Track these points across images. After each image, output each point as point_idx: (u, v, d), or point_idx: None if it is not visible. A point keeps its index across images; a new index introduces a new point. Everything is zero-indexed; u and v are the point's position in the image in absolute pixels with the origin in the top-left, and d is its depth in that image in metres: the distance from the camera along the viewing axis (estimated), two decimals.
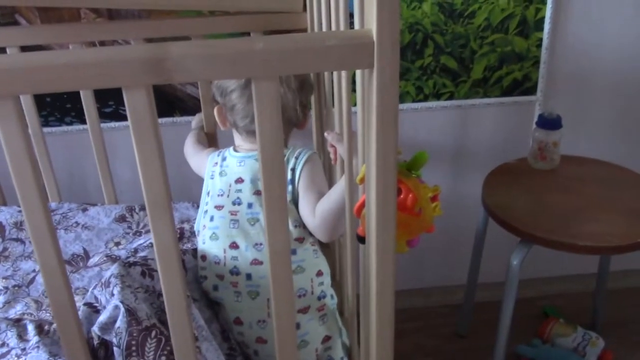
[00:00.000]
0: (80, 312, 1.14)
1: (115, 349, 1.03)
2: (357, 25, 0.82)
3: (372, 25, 0.65)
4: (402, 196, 0.83)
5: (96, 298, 1.15)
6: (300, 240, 1.25)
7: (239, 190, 1.27)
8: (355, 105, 1.15)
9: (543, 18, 1.73)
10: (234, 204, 1.27)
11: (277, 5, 1.50)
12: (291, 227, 1.24)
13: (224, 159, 1.33)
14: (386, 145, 0.71)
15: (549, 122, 1.67)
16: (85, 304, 1.15)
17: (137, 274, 1.16)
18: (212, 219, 1.29)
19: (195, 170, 1.50)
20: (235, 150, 1.33)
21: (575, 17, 1.75)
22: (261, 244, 1.24)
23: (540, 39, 1.75)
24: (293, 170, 1.25)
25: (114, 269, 1.14)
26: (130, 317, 1.04)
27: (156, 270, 1.19)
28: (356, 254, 1.09)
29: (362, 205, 0.86)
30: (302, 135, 1.41)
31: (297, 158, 1.26)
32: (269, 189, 0.75)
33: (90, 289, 1.17)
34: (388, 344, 0.86)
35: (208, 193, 1.32)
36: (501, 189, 1.64)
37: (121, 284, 1.10)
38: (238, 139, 1.36)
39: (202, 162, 1.43)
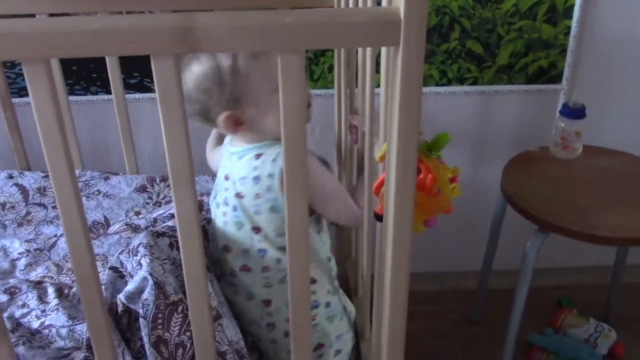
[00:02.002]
0: (105, 276, 1.16)
1: (141, 319, 1.05)
2: (384, 3, 0.82)
3: (400, 3, 0.65)
4: (421, 176, 0.83)
5: (122, 263, 1.17)
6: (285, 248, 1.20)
7: (226, 189, 1.20)
8: (378, 86, 1.15)
9: (572, 6, 1.71)
10: (225, 204, 1.21)
11: None
12: (274, 236, 1.17)
13: (225, 144, 1.28)
14: (408, 124, 0.71)
15: (573, 112, 1.66)
16: (110, 268, 1.17)
17: (165, 245, 1.18)
18: (214, 215, 1.26)
19: (214, 169, 1.40)
20: (230, 142, 1.24)
21: (606, 5, 1.72)
22: (248, 250, 1.20)
23: (569, 27, 1.74)
24: (271, 176, 1.13)
25: (142, 237, 1.16)
26: (158, 291, 1.05)
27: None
28: (372, 232, 1.10)
29: (382, 183, 0.86)
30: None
31: (274, 161, 1.13)
32: (290, 169, 0.75)
33: (116, 254, 1.19)
34: (400, 322, 0.87)
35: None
36: (521, 177, 1.64)
37: (150, 255, 1.11)
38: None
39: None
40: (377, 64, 1.08)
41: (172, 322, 1.04)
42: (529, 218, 1.49)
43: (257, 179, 1.14)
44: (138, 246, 1.14)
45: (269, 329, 1.24)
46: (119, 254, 1.17)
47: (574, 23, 1.72)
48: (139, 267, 1.09)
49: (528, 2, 1.70)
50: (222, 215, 1.22)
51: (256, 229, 1.17)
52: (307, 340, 0.89)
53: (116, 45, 0.66)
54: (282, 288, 1.20)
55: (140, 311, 1.05)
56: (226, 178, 1.21)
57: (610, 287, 1.99)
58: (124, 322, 1.10)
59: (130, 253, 1.14)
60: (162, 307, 1.04)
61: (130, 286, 1.07)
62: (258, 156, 1.15)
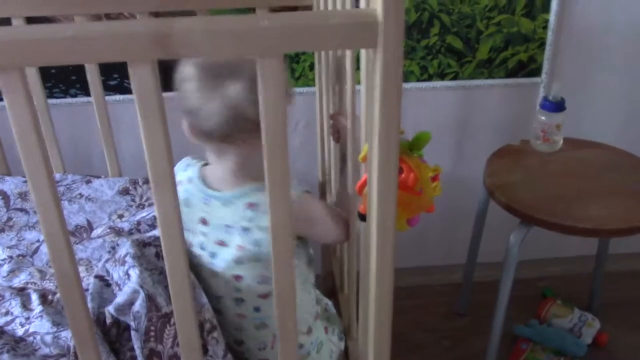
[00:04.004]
0: (91, 285, 1.15)
1: (133, 332, 1.04)
2: (362, 1, 0.82)
3: (377, 4, 0.66)
4: (403, 175, 0.84)
5: (107, 272, 1.16)
6: (265, 296, 1.15)
7: (204, 234, 1.14)
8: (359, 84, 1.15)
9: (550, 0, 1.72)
10: (200, 247, 1.16)
11: None
12: (254, 283, 1.13)
13: (189, 180, 1.15)
14: (389, 124, 0.71)
15: (553, 105, 1.67)
16: (96, 277, 1.16)
17: (151, 254, 1.17)
18: (190, 245, 1.18)
19: None
20: (203, 180, 1.13)
21: None
22: (220, 297, 1.18)
23: (547, 21, 1.75)
24: (265, 229, 1.07)
25: (128, 247, 1.15)
26: (149, 303, 1.04)
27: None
28: (356, 231, 1.10)
29: (364, 183, 0.86)
30: None
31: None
32: (272, 183, 0.75)
33: (101, 262, 1.18)
34: (386, 321, 0.88)
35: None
36: (503, 170, 1.65)
37: (139, 266, 1.11)
38: (210, 158, 1.14)
39: None
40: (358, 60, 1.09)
41: (164, 334, 1.04)
42: (511, 211, 1.50)
43: (247, 230, 1.09)
44: (125, 256, 1.13)
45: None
46: (105, 262, 1.17)
47: (552, 16, 1.73)
48: (127, 277, 1.09)
49: None
50: (195, 258, 1.17)
51: (237, 278, 1.14)
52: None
53: (93, 52, 0.66)
54: (257, 333, 1.21)
55: (132, 324, 1.04)
56: (203, 222, 1.13)
57: (593, 277, 2.01)
58: (112, 333, 1.09)
59: (117, 262, 1.14)
60: (154, 320, 1.04)
61: (120, 298, 1.07)
62: (251, 206, 1.08)
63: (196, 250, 1.17)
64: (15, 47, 0.65)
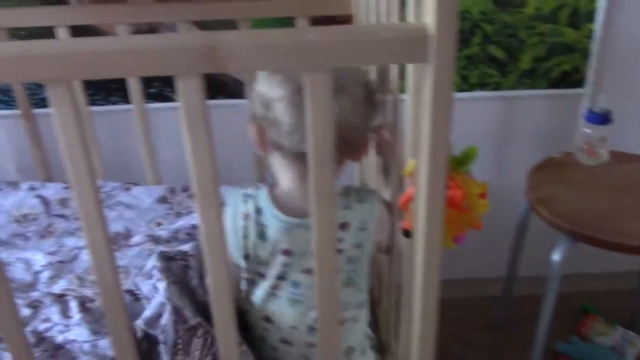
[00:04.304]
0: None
1: (161, 345, 1.05)
2: (410, 15, 0.80)
3: (428, 18, 0.64)
4: (450, 192, 0.82)
5: (137, 286, 1.16)
6: (341, 322, 1.09)
7: (286, 264, 1.06)
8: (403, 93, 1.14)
9: (595, 9, 1.68)
10: (278, 277, 1.08)
11: None
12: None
13: (258, 211, 1.05)
14: (438, 141, 0.70)
15: (598, 117, 1.62)
16: (126, 291, 1.17)
17: (177, 268, 1.17)
18: (254, 283, 1.13)
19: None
20: (278, 207, 1.04)
21: (630, 8, 1.69)
22: (295, 327, 1.11)
23: (592, 31, 1.71)
24: (359, 246, 1.05)
25: (155, 260, 1.15)
26: (176, 316, 1.04)
27: (192, 268, 1.20)
28: (399, 245, 1.08)
29: (409, 198, 0.85)
30: None
31: (363, 229, 1.04)
32: (319, 202, 0.74)
33: (131, 277, 1.19)
34: (430, 339, 0.86)
35: (244, 251, 1.07)
36: (545, 183, 1.61)
37: (166, 279, 1.11)
38: (280, 172, 1.05)
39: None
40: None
41: (192, 347, 1.04)
42: (554, 226, 1.46)
43: (340, 252, 1.04)
44: (151, 269, 1.13)
45: None
46: (134, 277, 1.17)
47: (597, 26, 1.69)
48: (155, 290, 1.09)
49: (550, 6, 1.67)
50: (269, 289, 1.10)
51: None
52: None
53: (140, 66, 0.65)
54: None
55: (160, 337, 1.05)
56: (286, 253, 1.05)
57: (636, 294, 1.95)
58: (143, 348, 1.09)
59: (144, 276, 1.14)
60: (181, 332, 1.04)
61: (148, 312, 1.07)
62: (342, 227, 1.03)
63: (271, 282, 1.09)
64: (64, 60, 0.65)
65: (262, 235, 1.04)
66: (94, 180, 0.76)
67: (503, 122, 1.84)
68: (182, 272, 1.17)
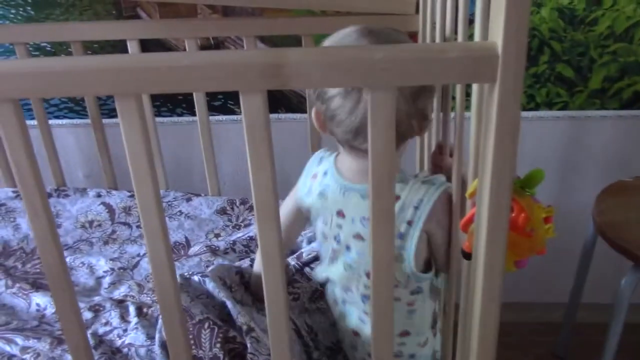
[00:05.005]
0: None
1: None
2: (477, 34, 0.79)
3: (498, 37, 0.62)
4: (514, 215, 0.79)
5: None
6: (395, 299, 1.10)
7: (339, 226, 1.10)
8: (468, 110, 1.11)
9: None
10: (335, 239, 1.12)
11: (389, 6, 1.48)
12: None
13: (325, 173, 1.12)
14: (503, 162, 0.68)
15: None
16: None
17: (196, 283, 1.21)
18: (319, 242, 1.19)
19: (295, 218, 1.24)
20: (339, 171, 1.10)
21: None
22: (349, 289, 1.15)
23: None
24: (410, 222, 1.03)
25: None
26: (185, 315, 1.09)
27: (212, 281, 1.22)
28: (459, 266, 1.06)
29: (470, 220, 0.83)
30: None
31: (416, 208, 1.02)
32: (376, 213, 0.73)
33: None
34: None
35: (310, 211, 1.16)
36: (614, 208, 1.55)
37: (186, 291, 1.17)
38: (340, 149, 1.12)
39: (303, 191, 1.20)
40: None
41: (202, 339, 1.08)
42: (623, 252, 1.41)
43: None
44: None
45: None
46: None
47: None
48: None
49: (624, 24, 1.62)
50: (331, 251, 1.15)
51: (369, 274, 1.12)
52: None
53: (207, 81, 0.66)
54: None
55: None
56: (340, 215, 1.09)
57: None
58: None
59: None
60: (190, 329, 1.08)
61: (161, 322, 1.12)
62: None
63: (328, 242, 1.14)
64: (133, 75, 0.67)
65: (322, 194, 1.11)
66: (157, 190, 0.78)
67: (571, 142, 1.79)
68: (199, 285, 1.21)
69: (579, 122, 1.75)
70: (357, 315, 1.18)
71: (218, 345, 1.07)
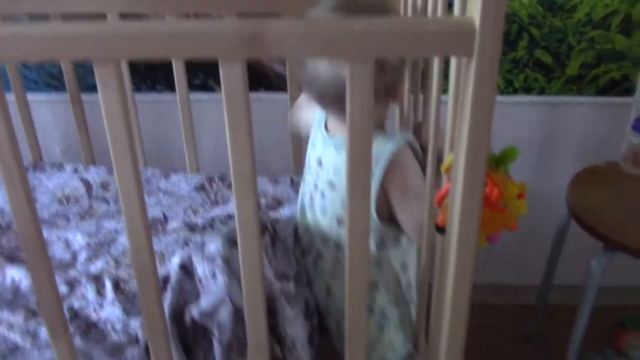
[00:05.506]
0: (173, 276, 1.16)
1: (215, 342, 1.05)
2: (456, 11, 0.79)
3: (475, 12, 0.63)
4: (487, 190, 0.81)
5: (191, 262, 1.16)
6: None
7: (318, 175, 1.21)
8: (445, 93, 1.13)
9: None
10: (314, 186, 1.23)
11: None
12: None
13: (319, 123, 1.23)
14: (478, 137, 0.69)
15: None
16: (181, 267, 1.17)
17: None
18: (302, 192, 1.29)
19: (302, 124, 1.39)
20: (325, 125, 1.21)
21: None
22: (327, 240, 1.22)
23: None
24: (376, 163, 1.10)
25: (220, 246, 1.15)
26: (236, 316, 1.05)
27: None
28: (432, 243, 1.08)
29: (445, 194, 0.84)
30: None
31: (377, 164, 1.09)
32: (352, 185, 0.74)
33: (189, 253, 1.19)
34: (459, 339, 0.85)
35: (308, 158, 1.27)
36: (588, 192, 1.58)
37: (228, 270, 1.11)
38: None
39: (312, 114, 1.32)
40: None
41: (247, 349, 1.04)
42: (595, 235, 1.43)
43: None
44: (215, 254, 1.13)
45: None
46: (194, 254, 1.17)
47: None
48: (213, 278, 1.09)
49: (602, 12, 1.64)
50: (310, 198, 1.24)
51: (340, 222, 1.18)
52: (363, 343, 0.87)
53: (186, 48, 0.66)
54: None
55: (215, 333, 1.05)
56: (319, 163, 1.20)
57: None
58: (189, 334, 1.10)
59: (206, 259, 1.14)
60: (239, 335, 1.04)
61: (205, 302, 1.07)
62: None
63: (309, 188, 1.25)
64: (113, 41, 0.67)
65: (312, 143, 1.24)
66: (136, 160, 0.78)
67: (547, 128, 1.81)
68: None
69: (555, 107, 1.78)
70: (329, 271, 1.23)
71: None
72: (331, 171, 1.16)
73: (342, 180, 1.14)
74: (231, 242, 1.17)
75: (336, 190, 1.16)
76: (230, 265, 1.12)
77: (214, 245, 1.15)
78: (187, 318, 1.09)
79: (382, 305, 1.22)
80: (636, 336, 1.85)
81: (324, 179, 1.18)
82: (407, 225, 1.12)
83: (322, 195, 1.20)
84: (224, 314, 1.05)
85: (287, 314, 1.12)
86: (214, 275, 1.10)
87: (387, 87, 1.07)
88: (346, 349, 0.87)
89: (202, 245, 1.17)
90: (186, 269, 1.16)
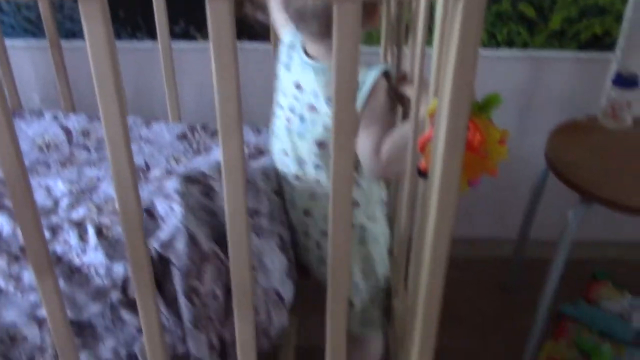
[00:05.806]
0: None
1: (174, 269, 1.07)
2: None
3: None
4: (469, 135, 0.82)
5: (153, 204, 1.18)
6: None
7: (296, 98, 1.21)
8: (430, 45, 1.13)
9: None
10: (290, 110, 1.23)
11: None
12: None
13: (292, 47, 1.24)
14: (463, 79, 0.70)
15: (625, 80, 1.60)
16: (145, 211, 1.19)
17: (197, 192, 1.19)
18: (276, 115, 1.29)
19: (275, 25, 1.40)
20: (304, 48, 1.21)
21: None
22: (304, 162, 1.24)
23: None
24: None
25: (176, 183, 1.17)
26: (191, 243, 1.07)
27: (216, 191, 1.21)
28: (414, 192, 1.09)
29: (428, 139, 0.85)
30: None
31: (359, 89, 1.11)
32: (339, 117, 0.74)
33: (151, 198, 1.21)
34: (438, 284, 0.86)
35: (277, 84, 1.27)
36: (566, 145, 1.60)
37: (184, 203, 1.13)
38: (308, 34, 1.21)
39: (283, 25, 1.32)
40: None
41: (204, 274, 1.06)
42: (572, 187, 1.46)
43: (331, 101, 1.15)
44: (171, 191, 1.15)
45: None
46: (153, 197, 1.19)
47: None
48: (172, 212, 1.10)
49: None
50: (286, 121, 1.24)
51: (320, 145, 1.19)
52: (346, 266, 0.88)
53: None
54: (326, 203, 1.22)
55: (174, 261, 1.07)
56: (297, 86, 1.20)
57: None
58: (158, 269, 1.11)
59: (164, 196, 1.16)
60: (195, 259, 1.06)
61: (163, 234, 1.09)
62: None
63: (284, 112, 1.24)
64: None
65: (287, 66, 1.23)
66: (123, 104, 0.77)
67: (529, 82, 1.83)
68: (203, 195, 1.19)
69: (538, 62, 1.79)
70: (308, 193, 1.26)
71: (220, 283, 1.06)
72: (311, 95, 1.17)
73: (322, 104, 1.15)
74: (187, 179, 1.20)
75: (318, 112, 1.17)
76: (186, 199, 1.15)
77: (171, 183, 1.17)
78: (153, 253, 1.11)
79: (361, 220, 1.27)
80: (607, 287, 1.90)
81: (304, 103, 1.19)
82: (365, 149, 1.14)
83: (302, 118, 1.20)
84: (181, 243, 1.08)
85: (258, 246, 1.16)
86: (172, 210, 1.12)
87: (366, 7, 1.07)
88: (329, 265, 0.88)
89: (160, 187, 1.19)
90: (148, 211, 1.18)
